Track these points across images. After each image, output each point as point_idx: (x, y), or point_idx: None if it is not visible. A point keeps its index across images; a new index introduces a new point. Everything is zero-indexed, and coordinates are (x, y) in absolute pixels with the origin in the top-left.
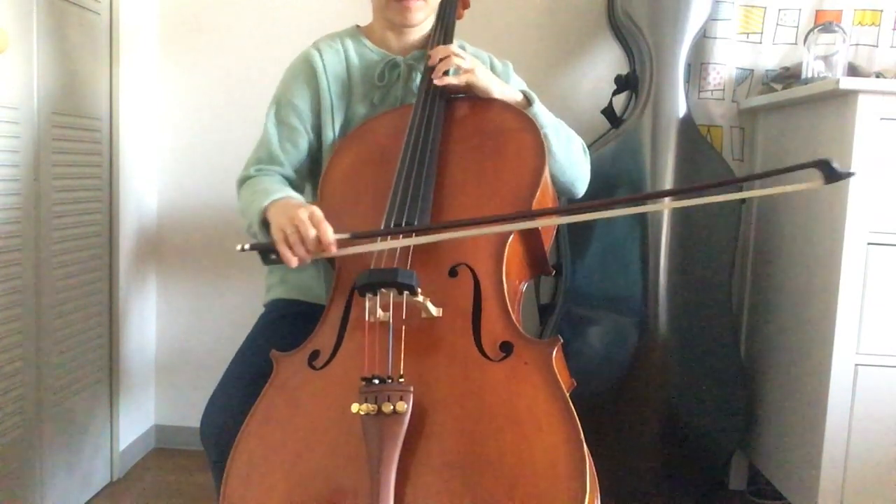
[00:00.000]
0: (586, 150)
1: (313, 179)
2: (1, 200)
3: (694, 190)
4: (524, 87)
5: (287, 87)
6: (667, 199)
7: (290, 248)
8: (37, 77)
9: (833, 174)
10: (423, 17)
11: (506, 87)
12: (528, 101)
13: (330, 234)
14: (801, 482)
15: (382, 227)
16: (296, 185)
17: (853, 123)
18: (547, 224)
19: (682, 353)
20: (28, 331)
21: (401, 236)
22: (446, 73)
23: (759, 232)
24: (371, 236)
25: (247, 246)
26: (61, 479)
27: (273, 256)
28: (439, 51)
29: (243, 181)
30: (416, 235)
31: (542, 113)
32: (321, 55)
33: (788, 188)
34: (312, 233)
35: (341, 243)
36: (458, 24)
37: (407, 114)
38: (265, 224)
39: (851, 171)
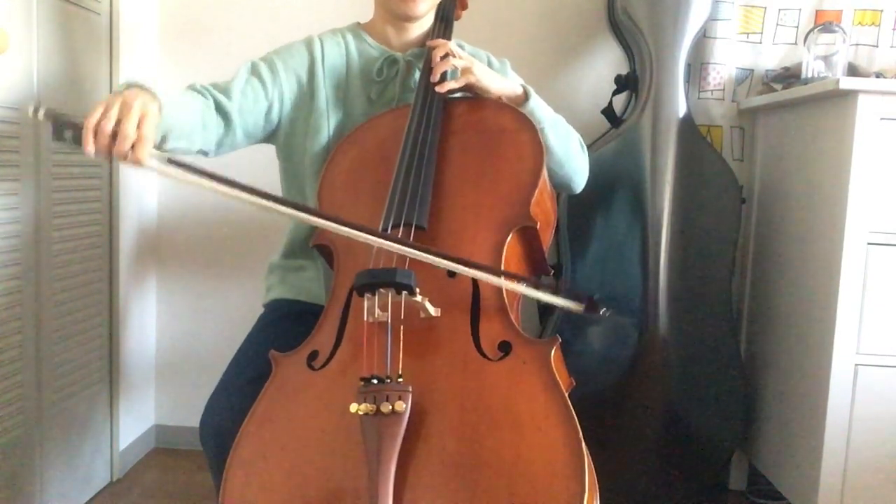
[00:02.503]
0: (584, 146)
1: (290, 168)
2: (1, 201)
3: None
4: (521, 82)
5: (278, 51)
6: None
7: (96, 132)
8: (37, 77)
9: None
10: (425, 10)
11: (505, 82)
12: (526, 95)
13: (144, 153)
14: (801, 482)
15: (381, 227)
16: (232, 126)
17: (853, 123)
18: (513, 288)
19: (682, 353)
20: (28, 331)
21: (397, 237)
22: (444, 74)
23: (759, 232)
24: (191, 170)
25: (42, 109)
26: (61, 479)
27: (69, 134)
28: (438, 44)
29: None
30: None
31: (539, 107)
32: (322, 45)
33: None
34: (130, 135)
35: (153, 159)
36: (458, 24)
37: (405, 114)
38: None
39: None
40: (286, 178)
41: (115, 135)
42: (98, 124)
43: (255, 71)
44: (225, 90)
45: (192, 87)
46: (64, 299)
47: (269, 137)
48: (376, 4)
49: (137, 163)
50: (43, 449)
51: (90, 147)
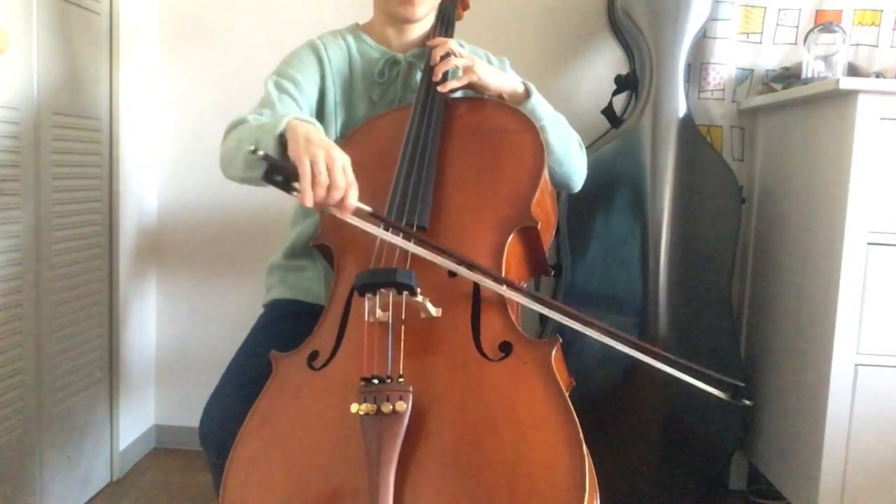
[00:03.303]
0: (582, 145)
1: None
2: (1, 200)
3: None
4: (522, 80)
5: (290, 64)
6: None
7: (315, 186)
8: (37, 77)
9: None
10: (424, 13)
11: (506, 79)
12: (527, 93)
13: (355, 199)
14: (801, 482)
15: (381, 227)
16: None
17: (853, 123)
18: (515, 298)
19: (682, 353)
20: (28, 331)
21: (400, 235)
22: (445, 74)
23: (759, 232)
24: (384, 221)
25: (261, 152)
26: (61, 479)
27: (279, 178)
28: (438, 43)
29: (238, 124)
30: (415, 243)
31: (540, 104)
32: (326, 48)
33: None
34: (343, 186)
35: (358, 212)
36: (458, 24)
37: (406, 114)
38: (282, 141)
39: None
40: None
41: (331, 186)
42: (314, 177)
43: (282, 89)
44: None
45: (243, 120)
46: (64, 299)
47: None
48: (375, 7)
49: (345, 210)
50: (43, 449)
51: (308, 197)
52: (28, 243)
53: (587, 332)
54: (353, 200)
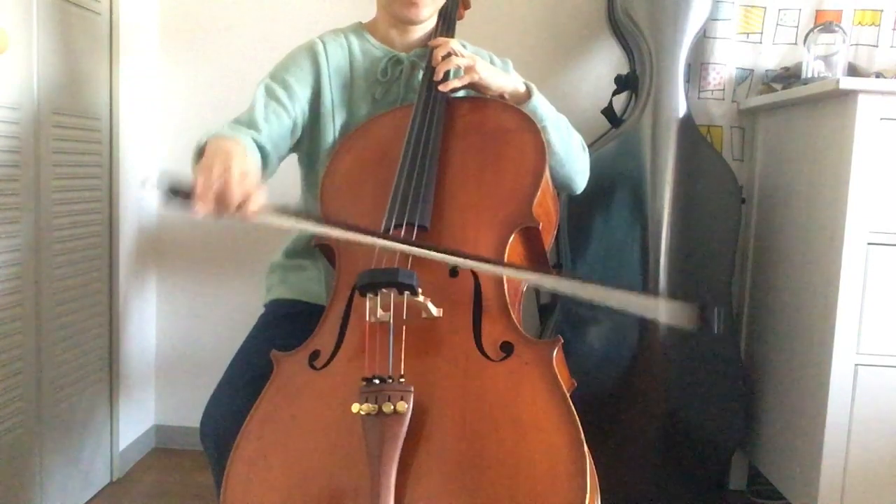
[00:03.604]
0: (585, 147)
1: (311, 177)
2: (1, 200)
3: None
4: (524, 80)
5: (285, 67)
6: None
7: (202, 197)
8: (37, 77)
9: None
10: (428, 14)
11: (508, 79)
12: (529, 93)
13: (255, 206)
14: (801, 482)
15: (382, 227)
16: (269, 157)
17: (853, 123)
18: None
19: (682, 353)
20: (28, 331)
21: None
22: (447, 73)
23: (759, 232)
24: (296, 216)
25: (148, 182)
26: (61, 479)
27: (177, 199)
28: (440, 43)
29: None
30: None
31: (541, 105)
32: (325, 48)
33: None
34: (236, 193)
35: (263, 213)
36: (459, 24)
37: (408, 113)
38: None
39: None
40: (307, 185)
41: (222, 197)
42: (203, 189)
43: (271, 94)
44: (251, 123)
45: (220, 130)
46: (64, 299)
47: (293, 149)
48: (379, 7)
49: (245, 219)
50: (43, 449)
51: (201, 213)
52: (28, 243)
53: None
54: (251, 210)
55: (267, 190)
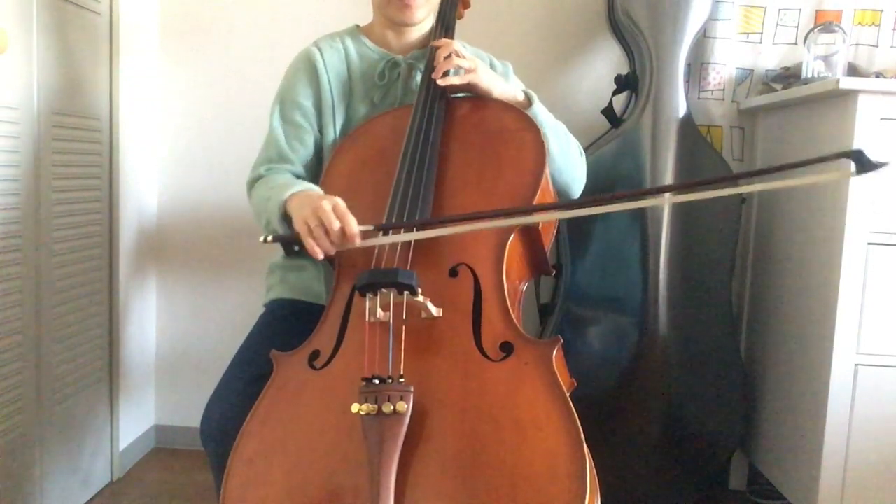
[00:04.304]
0: (583, 153)
1: (315, 179)
2: (1, 200)
3: (702, 184)
4: (524, 88)
5: (290, 85)
6: (667, 195)
7: (315, 240)
8: (37, 77)
9: (867, 165)
10: (423, 16)
11: (507, 86)
12: (528, 101)
13: (354, 226)
14: (801, 482)
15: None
16: (308, 180)
17: (853, 123)
18: (547, 218)
19: (682, 353)
20: (28, 331)
21: (415, 229)
22: (447, 72)
23: (759, 232)
24: (395, 227)
25: (269, 237)
26: (61, 479)
27: (296, 248)
28: (443, 44)
29: (255, 181)
30: (428, 229)
31: (541, 113)
32: (322, 54)
33: (817, 178)
34: (337, 225)
35: (365, 235)
36: (459, 24)
37: (407, 114)
38: (286, 218)
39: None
40: None
41: (327, 233)
42: (312, 233)
43: (287, 119)
44: (282, 157)
45: (258, 176)
46: (64, 299)
47: None
48: (374, 9)
49: (353, 237)
50: (43, 449)
51: (319, 253)
52: (28, 243)
53: (609, 209)
54: (352, 229)
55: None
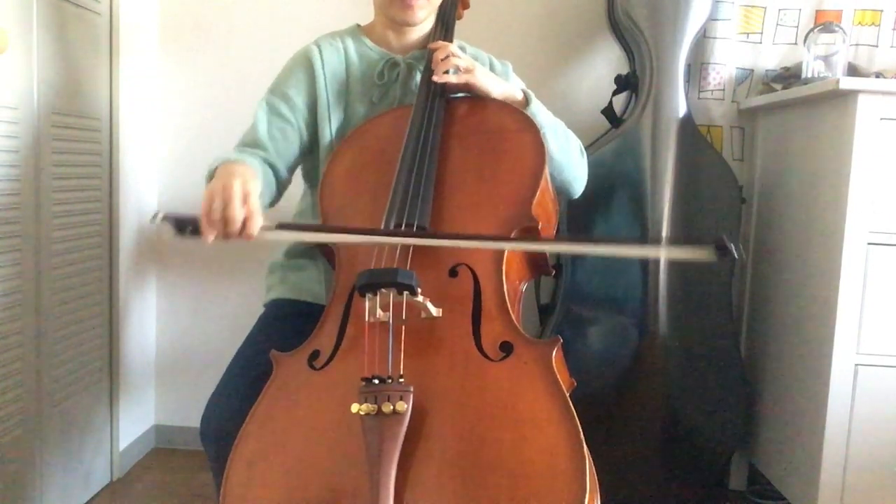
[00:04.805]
0: (584, 151)
1: (312, 179)
2: (1, 200)
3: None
4: (522, 87)
5: (283, 79)
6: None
7: (210, 222)
8: (37, 77)
9: (725, 252)
10: (424, 16)
11: (506, 86)
12: (527, 100)
13: (255, 229)
14: (801, 482)
15: (382, 227)
16: (280, 173)
17: (853, 123)
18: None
19: (682, 353)
20: (28, 331)
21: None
22: (446, 73)
23: (759, 232)
24: (298, 229)
25: (160, 215)
26: (61, 479)
27: (189, 229)
28: (440, 46)
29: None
30: (420, 238)
31: (540, 112)
32: (321, 52)
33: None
34: (238, 218)
35: (265, 231)
36: (458, 24)
37: (407, 114)
38: None
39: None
40: (308, 186)
41: (226, 220)
42: (208, 215)
43: (273, 110)
44: (256, 143)
45: (235, 153)
46: (64, 299)
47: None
48: (376, 9)
49: (249, 238)
50: (43, 449)
51: (209, 237)
52: (28, 244)
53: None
54: (254, 231)
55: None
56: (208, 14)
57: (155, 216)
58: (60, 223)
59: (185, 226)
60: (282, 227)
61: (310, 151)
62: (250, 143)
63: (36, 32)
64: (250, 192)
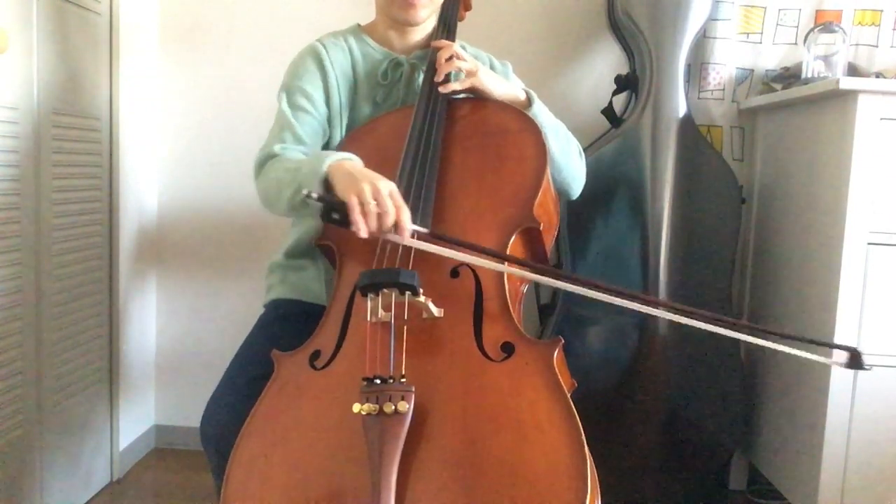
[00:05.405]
0: (582, 153)
1: None
2: (1, 200)
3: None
4: (524, 87)
5: (296, 76)
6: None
7: (366, 217)
8: (37, 77)
9: (857, 365)
10: (426, 15)
11: (508, 86)
12: (528, 101)
13: (408, 220)
14: (801, 482)
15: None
16: None
17: (853, 123)
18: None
19: (682, 353)
20: (28, 331)
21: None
22: (448, 75)
23: (759, 232)
24: (447, 241)
25: (314, 193)
26: (61, 479)
27: (336, 216)
28: (443, 45)
29: (267, 159)
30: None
31: (541, 112)
32: (328, 51)
33: (807, 356)
34: (393, 211)
35: (416, 235)
36: (460, 25)
37: (409, 114)
38: (326, 184)
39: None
40: None
41: (382, 212)
42: (363, 207)
43: (296, 106)
44: (298, 139)
45: (272, 154)
46: (64, 299)
47: None
48: (377, 9)
49: (403, 232)
50: (43, 449)
51: (362, 229)
52: (28, 243)
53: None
54: (408, 222)
55: None
56: (208, 14)
57: (309, 194)
58: (60, 223)
59: (333, 210)
60: (435, 235)
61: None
62: (290, 140)
63: (36, 32)
64: (394, 189)
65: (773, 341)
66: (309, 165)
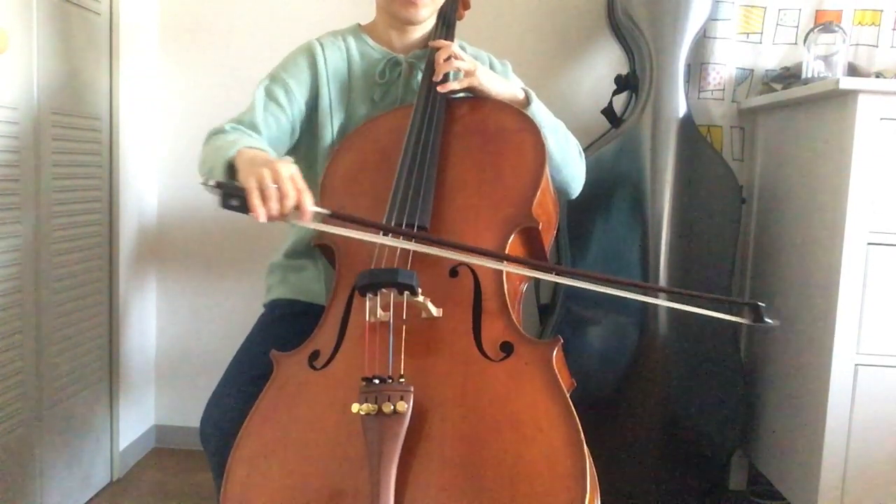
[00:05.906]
0: (582, 153)
1: (310, 179)
2: (1, 200)
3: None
4: (523, 86)
5: (284, 68)
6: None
7: (264, 200)
8: (37, 77)
9: (759, 318)
10: (427, 14)
11: (507, 85)
12: (527, 100)
13: (309, 203)
14: (801, 482)
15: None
16: None
17: (853, 123)
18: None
19: (682, 353)
20: (28, 331)
21: (386, 235)
22: (447, 74)
23: (759, 232)
24: (351, 221)
25: (212, 181)
26: (61, 479)
27: (235, 203)
28: (442, 45)
29: (215, 133)
30: (404, 239)
31: (540, 111)
32: (323, 50)
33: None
34: (293, 194)
35: (317, 218)
36: (459, 24)
37: (407, 114)
38: (230, 170)
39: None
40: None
41: (282, 194)
42: (262, 192)
43: (271, 96)
44: (252, 125)
45: (220, 129)
46: (64, 299)
47: (291, 151)
48: (378, 8)
49: (304, 215)
50: (43, 449)
51: (261, 213)
52: (28, 244)
53: (598, 289)
54: (309, 205)
55: None
56: (208, 14)
57: (208, 180)
58: (60, 223)
59: (232, 196)
60: (335, 214)
61: (295, 147)
62: (246, 123)
63: (36, 32)
64: (294, 172)
65: (684, 303)
66: (223, 151)
